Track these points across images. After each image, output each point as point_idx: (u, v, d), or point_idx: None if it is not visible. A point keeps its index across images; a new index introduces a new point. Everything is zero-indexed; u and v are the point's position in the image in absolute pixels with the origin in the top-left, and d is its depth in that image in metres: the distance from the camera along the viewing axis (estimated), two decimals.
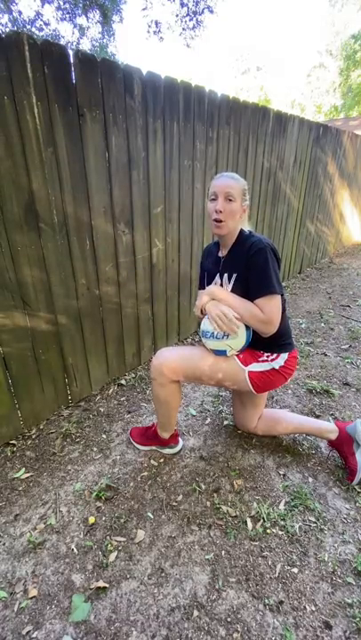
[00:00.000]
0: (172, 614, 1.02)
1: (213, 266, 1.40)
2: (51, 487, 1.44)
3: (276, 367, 1.33)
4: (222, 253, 1.36)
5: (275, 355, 1.33)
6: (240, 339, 1.28)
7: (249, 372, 1.31)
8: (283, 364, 1.33)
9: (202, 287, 1.49)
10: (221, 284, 1.34)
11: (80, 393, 1.96)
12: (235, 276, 1.28)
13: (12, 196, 1.39)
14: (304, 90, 20.70)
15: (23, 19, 8.86)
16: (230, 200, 1.22)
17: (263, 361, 1.33)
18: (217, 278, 1.36)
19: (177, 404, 1.44)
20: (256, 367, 1.32)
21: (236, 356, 1.32)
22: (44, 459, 1.58)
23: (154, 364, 1.33)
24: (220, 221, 1.23)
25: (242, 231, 1.30)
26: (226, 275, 1.32)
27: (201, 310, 1.33)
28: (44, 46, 1.33)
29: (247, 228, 1.32)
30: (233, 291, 1.28)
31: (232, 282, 1.29)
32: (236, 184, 1.23)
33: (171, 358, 1.31)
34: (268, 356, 1.33)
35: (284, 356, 1.33)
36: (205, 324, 1.31)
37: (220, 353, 1.31)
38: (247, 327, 1.28)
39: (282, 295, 1.25)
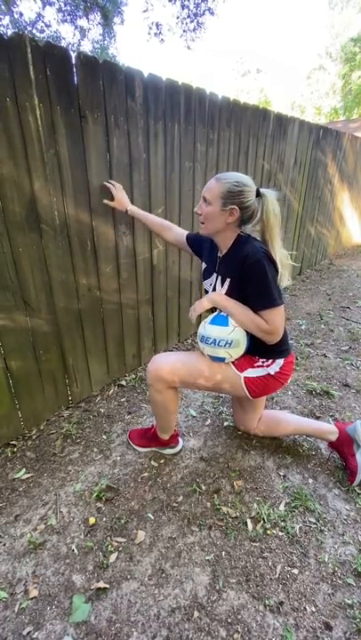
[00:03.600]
0: (173, 615, 1.02)
1: (211, 262, 1.39)
2: (51, 488, 1.44)
3: (272, 373, 1.32)
4: (220, 253, 1.34)
5: (270, 360, 1.32)
6: (241, 347, 1.27)
7: (244, 377, 1.31)
8: (278, 369, 1.32)
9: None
10: (215, 288, 1.33)
11: (80, 394, 1.96)
12: (228, 280, 1.26)
13: (14, 197, 1.39)
14: (304, 92, 20.76)
15: (24, 20, 8.88)
16: (206, 202, 1.21)
17: (258, 366, 1.32)
18: (213, 277, 1.35)
19: (175, 408, 1.44)
20: (251, 373, 1.31)
21: (232, 362, 1.32)
22: (45, 459, 1.58)
23: (150, 370, 1.32)
24: (200, 222, 1.26)
25: (240, 236, 1.26)
26: (220, 277, 1.30)
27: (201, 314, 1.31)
28: (47, 48, 1.34)
29: (255, 235, 1.29)
30: (227, 294, 1.26)
31: (226, 286, 1.27)
32: (216, 186, 1.17)
33: (166, 364, 1.31)
34: (263, 362, 1.32)
35: (280, 362, 1.32)
36: (206, 330, 1.28)
37: (219, 360, 1.30)
38: (247, 334, 1.27)
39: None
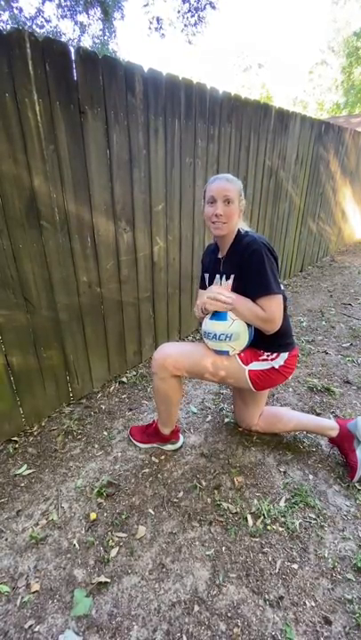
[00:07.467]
0: (173, 609, 1.03)
1: (213, 267, 1.41)
2: (52, 483, 1.45)
3: (276, 366, 1.33)
4: (221, 254, 1.37)
5: (275, 354, 1.33)
6: (242, 340, 1.29)
7: (249, 370, 1.32)
8: (283, 363, 1.34)
9: (203, 287, 1.50)
10: (221, 285, 1.35)
11: (81, 390, 1.97)
12: (233, 276, 1.29)
13: (14, 193, 1.39)
14: (306, 87, 20.62)
15: (24, 16, 8.82)
16: (229, 202, 1.22)
17: (263, 360, 1.33)
18: (217, 279, 1.37)
19: (177, 399, 1.45)
20: (256, 366, 1.33)
21: (237, 354, 1.33)
22: (46, 455, 1.59)
23: (155, 357, 1.34)
24: (221, 223, 1.24)
25: (238, 231, 1.30)
26: (225, 275, 1.33)
27: (202, 310, 1.33)
28: (46, 43, 1.33)
29: (245, 227, 1.33)
30: (233, 290, 1.29)
31: (230, 281, 1.30)
32: (232, 186, 1.23)
33: (172, 353, 1.33)
34: (268, 356, 1.34)
35: (284, 355, 1.34)
36: (207, 325, 1.31)
37: (223, 353, 1.32)
38: (249, 326, 1.28)
39: (284, 295, 1.26)
